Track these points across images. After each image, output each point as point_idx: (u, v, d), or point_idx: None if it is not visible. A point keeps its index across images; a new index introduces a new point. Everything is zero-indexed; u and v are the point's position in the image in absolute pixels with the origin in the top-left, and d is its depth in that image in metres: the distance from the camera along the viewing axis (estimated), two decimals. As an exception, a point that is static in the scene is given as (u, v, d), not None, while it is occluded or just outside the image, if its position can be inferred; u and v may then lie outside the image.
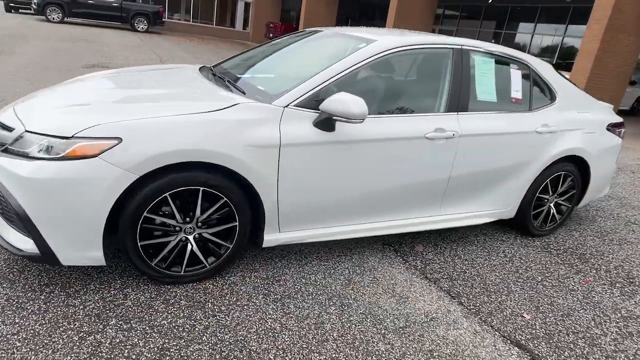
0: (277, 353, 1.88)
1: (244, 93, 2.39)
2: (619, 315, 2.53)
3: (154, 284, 2.22)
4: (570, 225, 3.80)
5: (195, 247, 2.21)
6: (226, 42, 22.08)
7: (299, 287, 2.37)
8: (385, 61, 2.58)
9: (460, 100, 2.75)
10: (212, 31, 25.06)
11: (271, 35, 22.44)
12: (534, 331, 2.28)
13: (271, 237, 2.38)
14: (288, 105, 2.24)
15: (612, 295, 2.74)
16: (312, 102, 2.28)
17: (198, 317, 2.02)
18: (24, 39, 11.09)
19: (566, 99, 3.26)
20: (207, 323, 1.99)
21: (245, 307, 2.14)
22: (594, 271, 3.02)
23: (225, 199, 2.15)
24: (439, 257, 2.92)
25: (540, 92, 3.18)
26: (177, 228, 2.15)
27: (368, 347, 1.99)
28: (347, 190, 2.46)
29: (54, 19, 17.23)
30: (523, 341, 2.18)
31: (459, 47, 2.79)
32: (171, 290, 2.20)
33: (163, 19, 20.04)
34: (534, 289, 2.68)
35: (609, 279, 2.93)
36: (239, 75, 2.78)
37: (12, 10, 19.34)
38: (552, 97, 3.21)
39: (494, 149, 2.86)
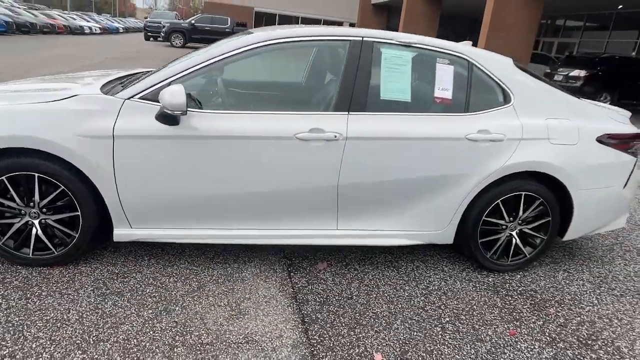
0: (44, 343, 1.82)
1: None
2: (518, 381, 1.88)
3: (8, 263, 2.35)
4: (565, 263, 2.98)
5: (40, 232, 2.28)
6: (328, 62, 22.83)
7: (138, 286, 2.27)
8: (258, 54, 2.38)
9: (354, 98, 2.39)
10: (318, 52, 26.19)
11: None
12: (366, 378, 1.82)
13: (122, 232, 2.34)
14: (132, 97, 2.21)
15: (537, 355, 2.05)
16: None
17: (11, 298, 2.07)
18: (139, 60, 12.99)
19: (528, 102, 2.60)
20: (12, 304, 2.03)
21: (65, 296, 2.13)
22: (540, 322, 2.31)
23: (62, 187, 2.20)
24: (336, 278, 2.54)
25: (486, 92, 2.59)
26: (21, 211, 2.25)
27: (141, 356, 1.80)
28: (204, 191, 2.30)
29: (176, 44, 19.87)
30: (341, 387, 1.76)
31: (359, 38, 2.44)
32: (18, 270, 2.30)
33: (270, 42, 21.60)
34: (424, 331, 2.15)
35: (553, 336, 2.20)
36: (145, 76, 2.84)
37: (151, 39, 22.85)
38: (506, 99, 2.59)
39: (401, 156, 2.41)
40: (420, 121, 2.43)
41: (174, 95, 2.02)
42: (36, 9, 25.67)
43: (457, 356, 2.01)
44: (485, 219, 2.63)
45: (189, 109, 2.22)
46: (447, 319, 2.26)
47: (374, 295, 2.42)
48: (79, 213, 2.26)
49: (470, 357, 2.00)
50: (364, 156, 2.37)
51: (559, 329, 2.27)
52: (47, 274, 2.29)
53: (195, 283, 2.35)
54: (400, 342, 2.06)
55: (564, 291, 2.64)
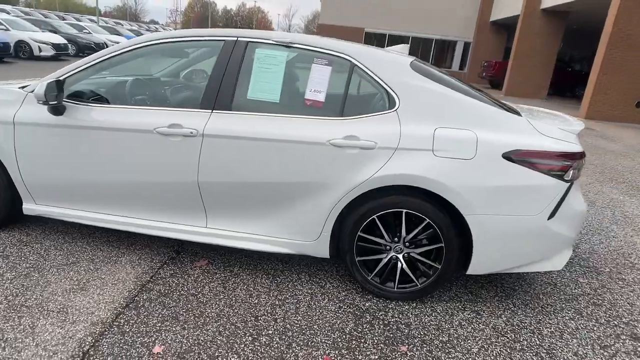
0: None
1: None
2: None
3: (-42, 223, 2.92)
4: (486, 303, 2.50)
5: (-29, 199, 2.79)
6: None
7: (27, 254, 2.62)
8: (142, 55, 2.57)
9: (220, 97, 2.42)
10: (429, 72, 25.40)
11: (484, 74, 21.13)
12: (121, 364, 1.83)
13: (28, 206, 2.73)
14: (34, 90, 2.59)
15: (326, 387, 1.80)
16: (55, 89, 2.55)
17: None
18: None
19: (416, 108, 2.29)
20: None
21: (-33, 252, 2.58)
22: (375, 357, 2.00)
23: (-21, 162, 2.68)
24: (202, 276, 2.56)
25: (369, 95, 2.37)
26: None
27: (-35, 306, 2.10)
28: (85, 176, 2.56)
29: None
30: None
31: (233, 39, 2.47)
32: (-42, 229, 2.85)
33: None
34: (231, 337, 2.05)
35: (371, 372, 1.90)
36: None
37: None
38: (390, 104, 2.33)
39: (261, 157, 2.34)
40: (285, 123, 2.35)
41: (40, 88, 2.33)
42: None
43: (241, 368, 1.88)
44: (363, 235, 2.39)
45: (73, 101, 2.52)
46: (270, 332, 2.12)
47: (222, 297, 2.38)
48: (-6, 186, 2.72)
49: (251, 372, 1.86)
50: (222, 154, 2.38)
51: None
52: (-27, 234, 2.79)
53: (74, 259, 2.62)
54: (196, 342, 2.01)
55: (444, 332, 2.23)
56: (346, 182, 2.29)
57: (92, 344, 1.93)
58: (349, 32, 24.19)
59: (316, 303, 2.39)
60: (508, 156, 2.20)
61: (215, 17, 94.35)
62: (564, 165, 2.22)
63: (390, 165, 2.24)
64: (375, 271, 2.44)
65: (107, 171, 2.52)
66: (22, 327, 2.00)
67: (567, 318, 2.44)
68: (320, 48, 2.42)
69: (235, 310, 2.27)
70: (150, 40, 2.53)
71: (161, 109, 2.47)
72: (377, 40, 24.92)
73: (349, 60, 2.39)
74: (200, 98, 2.45)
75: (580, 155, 2.26)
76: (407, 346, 2.10)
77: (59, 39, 15.41)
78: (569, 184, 2.25)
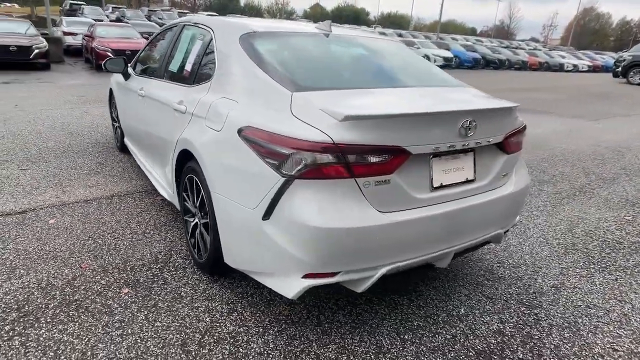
0: None
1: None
2: None
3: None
4: (262, 311, 2.12)
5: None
6: None
7: (110, 166, 4.18)
8: (159, 37, 3.53)
9: (160, 68, 3.11)
10: None
11: None
12: None
13: (125, 139, 4.31)
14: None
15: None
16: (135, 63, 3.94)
17: None
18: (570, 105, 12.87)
19: (223, 78, 2.26)
20: None
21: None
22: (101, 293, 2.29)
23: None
24: (145, 205, 3.35)
25: (211, 64, 2.45)
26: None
27: None
28: (129, 121, 3.85)
29: (635, 81, 16.84)
30: None
31: (183, 23, 3.06)
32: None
33: None
34: (76, 227, 2.81)
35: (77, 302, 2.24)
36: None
37: (620, 76, 19.99)
38: (214, 73, 2.35)
39: (154, 114, 2.94)
40: (169, 88, 2.82)
41: (104, 62, 3.74)
42: (523, 49, 28.78)
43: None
44: (185, 195, 2.55)
45: (135, 73, 3.83)
46: (98, 242, 2.72)
47: (120, 214, 3.12)
48: (118, 124, 4.44)
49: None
50: (147, 111, 3.11)
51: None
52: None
53: (121, 175, 3.98)
54: (65, 225, 2.89)
55: (181, 306, 2.15)
56: (173, 141, 2.54)
57: (35, 208, 3.17)
58: None
59: (155, 244, 2.75)
60: (239, 133, 1.86)
61: (607, 30, 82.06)
62: (278, 152, 1.66)
63: (187, 130, 2.33)
64: (190, 233, 2.53)
65: (132, 118, 3.72)
66: (31, 180, 3.49)
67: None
68: (201, 24, 2.72)
69: (108, 225, 2.96)
70: (160, 31, 3.51)
71: (145, 78, 3.41)
72: None
73: (210, 33, 2.56)
74: (159, 69, 3.23)
75: (308, 146, 1.59)
76: (128, 290, 2.24)
77: (447, 54, 22.05)
78: (286, 179, 1.64)
